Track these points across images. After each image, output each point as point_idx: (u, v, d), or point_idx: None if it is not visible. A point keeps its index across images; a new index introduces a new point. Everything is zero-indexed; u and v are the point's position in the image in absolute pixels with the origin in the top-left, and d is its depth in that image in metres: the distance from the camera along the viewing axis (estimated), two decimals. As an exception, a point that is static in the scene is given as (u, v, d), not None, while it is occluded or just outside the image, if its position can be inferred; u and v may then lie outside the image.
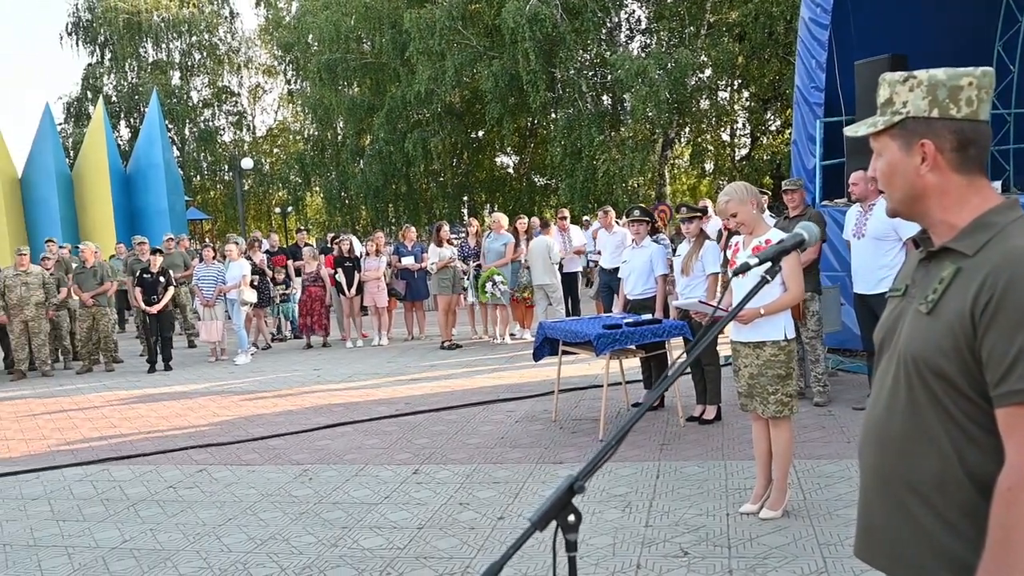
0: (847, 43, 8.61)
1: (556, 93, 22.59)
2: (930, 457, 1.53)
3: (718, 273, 6.33)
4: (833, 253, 7.78)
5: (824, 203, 8.19)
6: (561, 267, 11.51)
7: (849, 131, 1.66)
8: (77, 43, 34.52)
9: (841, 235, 6.91)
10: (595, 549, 4.13)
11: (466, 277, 11.75)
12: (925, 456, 1.54)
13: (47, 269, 11.71)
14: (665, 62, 19.74)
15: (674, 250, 7.53)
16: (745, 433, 5.99)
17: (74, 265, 12.68)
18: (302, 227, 18.72)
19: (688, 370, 6.99)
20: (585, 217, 17.60)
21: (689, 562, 3.92)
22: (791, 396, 4.29)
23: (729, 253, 4.52)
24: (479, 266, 11.58)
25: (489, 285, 10.95)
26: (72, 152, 29.14)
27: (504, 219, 11.70)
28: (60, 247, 13.45)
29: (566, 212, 12.70)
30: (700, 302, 4.61)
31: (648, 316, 6.56)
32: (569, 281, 11.97)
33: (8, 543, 4.86)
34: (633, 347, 6.37)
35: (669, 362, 6.74)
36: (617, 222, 10.40)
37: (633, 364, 7.84)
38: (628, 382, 7.37)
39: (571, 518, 1.54)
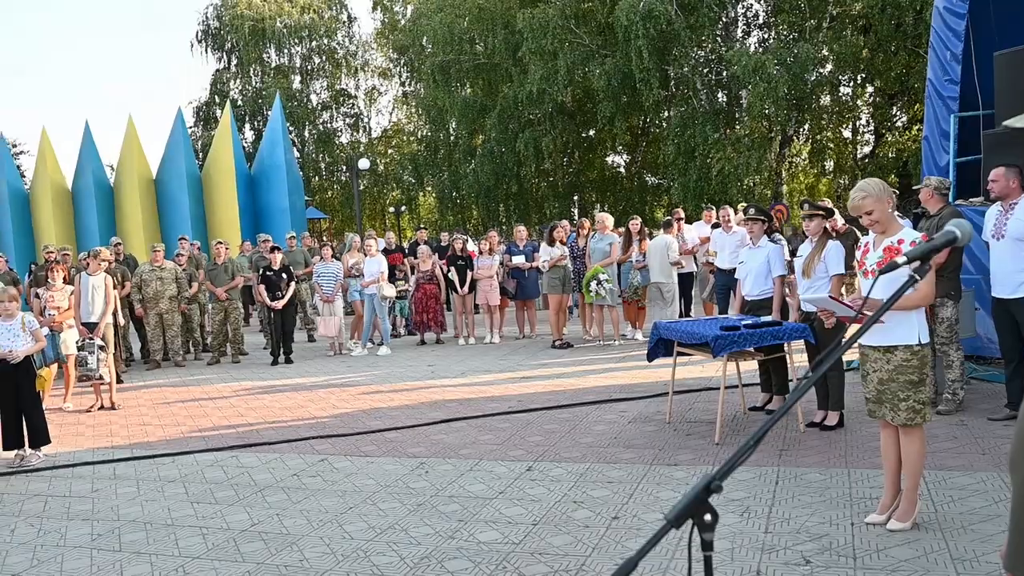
0: (985, 33, 8.14)
1: (669, 91, 22.29)
2: None
3: (842, 274, 6.11)
4: (967, 255, 7.39)
5: (958, 202, 7.79)
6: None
7: (1016, 122, 1.56)
8: (206, 50, 36.29)
9: (979, 236, 6.54)
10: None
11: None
12: None
13: (180, 265, 12.37)
14: (784, 57, 19.18)
15: (793, 251, 7.33)
16: (869, 440, 5.77)
17: (204, 261, 13.36)
18: (420, 226, 19.12)
19: (808, 374, 6.78)
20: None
21: (812, 571, 3.80)
22: (924, 403, 4.10)
23: (858, 254, 4.35)
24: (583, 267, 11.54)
25: (593, 284, 10.87)
26: (201, 154, 30.67)
27: (609, 219, 11.63)
28: (191, 244, 14.18)
29: (682, 212, 12.50)
30: (831, 298, 4.44)
31: (768, 318, 6.40)
32: (683, 282, 11.80)
33: (149, 521, 5.16)
34: (751, 349, 6.23)
35: (789, 365, 6.55)
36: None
37: (750, 367, 7.67)
38: (745, 385, 7.21)
39: (707, 517, 1.52)
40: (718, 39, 22.48)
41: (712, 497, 1.52)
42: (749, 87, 19.65)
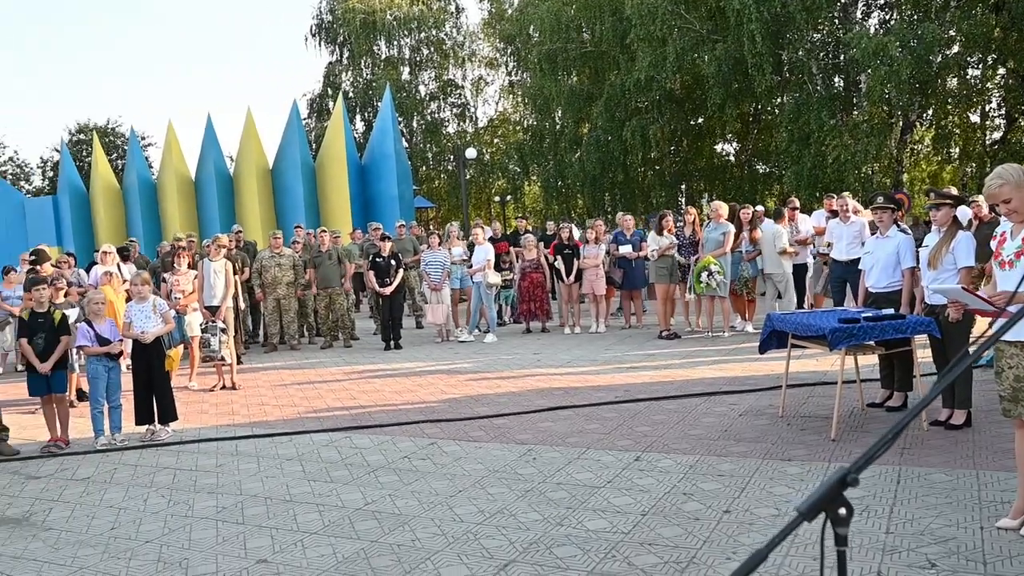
0: None
1: (783, 76, 21.62)
2: None
3: (971, 267, 5.80)
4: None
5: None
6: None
7: None
8: (320, 44, 37.39)
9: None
10: (832, 551, 3.92)
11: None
12: None
13: (296, 252, 12.78)
14: (907, 38, 18.30)
15: (917, 241, 7.01)
16: (1000, 441, 5.47)
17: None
18: (520, 215, 19.20)
19: (934, 370, 6.48)
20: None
21: (938, 575, 3.63)
22: (1064, 403, 3.85)
23: (994, 244, 4.11)
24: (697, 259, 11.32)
25: (704, 275, 10.65)
26: (315, 144, 31.65)
27: (724, 208, 11.36)
28: (306, 232, 14.64)
29: (796, 201, 12.09)
30: (964, 290, 4.21)
31: (890, 311, 6.13)
32: (797, 273, 11.45)
33: (269, 496, 5.38)
34: (872, 343, 5.99)
35: (914, 360, 6.26)
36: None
37: (869, 361, 7.40)
38: (863, 380, 6.94)
39: (842, 511, 1.47)
40: (835, 21, 21.67)
41: (847, 491, 1.47)
42: (869, 71, 18.87)
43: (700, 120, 26.45)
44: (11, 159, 43.55)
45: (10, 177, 41.39)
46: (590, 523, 4.53)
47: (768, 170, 26.60)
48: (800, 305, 11.66)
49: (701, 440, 6.08)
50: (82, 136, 40.42)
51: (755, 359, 8.92)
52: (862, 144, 18.96)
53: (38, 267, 10.00)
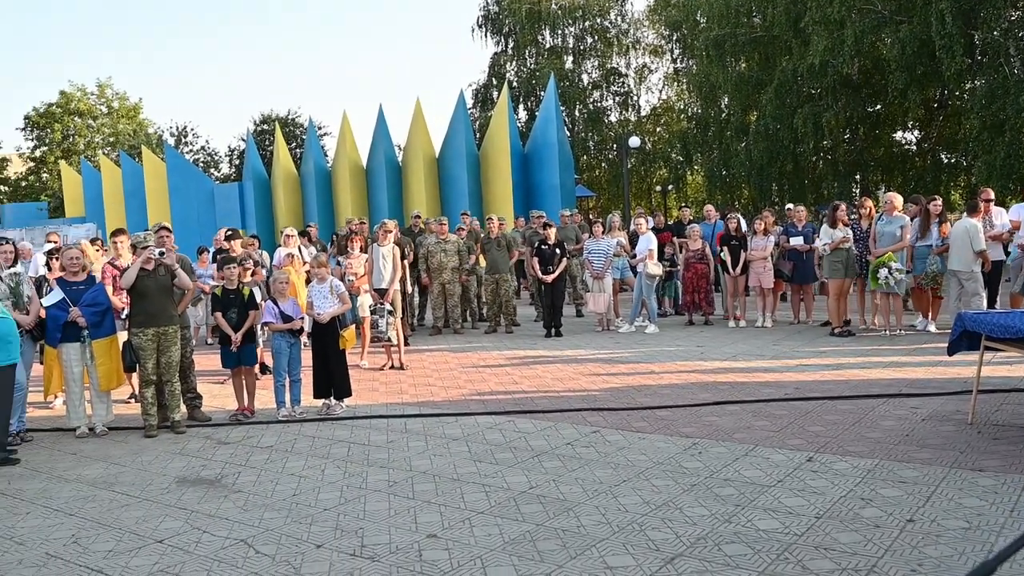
0: None
1: (975, 58, 20.04)
2: None
3: None
4: None
5: None
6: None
7: None
8: (486, 35, 38.05)
9: None
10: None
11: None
12: None
13: (461, 238, 13.08)
14: (1124, 14, 16.52)
15: None
16: None
17: (482, 235, 14.04)
18: (684, 204, 18.81)
19: None
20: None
21: None
22: None
23: None
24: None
25: (883, 272, 10.07)
26: (478, 133, 32.23)
27: (898, 199, 10.72)
28: (471, 219, 14.94)
29: (991, 193, 11.17)
30: None
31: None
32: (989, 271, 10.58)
33: (437, 474, 5.55)
34: (1081, 348, 5.46)
35: None
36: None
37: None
38: (1067, 388, 6.36)
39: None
40: (1038, -3, 19.86)
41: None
42: (1077, 51, 17.19)
43: (878, 107, 24.96)
44: (203, 148, 47.01)
45: (201, 165, 44.72)
46: (760, 522, 4.39)
47: (954, 160, 24.80)
48: (992, 306, 10.80)
49: (880, 444, 5.75)
50: (265, 126, 42.99)
51: (938, 362, 8.37)
52: (1066, 132, 17.33)
53: (230, 243, 10.73)
